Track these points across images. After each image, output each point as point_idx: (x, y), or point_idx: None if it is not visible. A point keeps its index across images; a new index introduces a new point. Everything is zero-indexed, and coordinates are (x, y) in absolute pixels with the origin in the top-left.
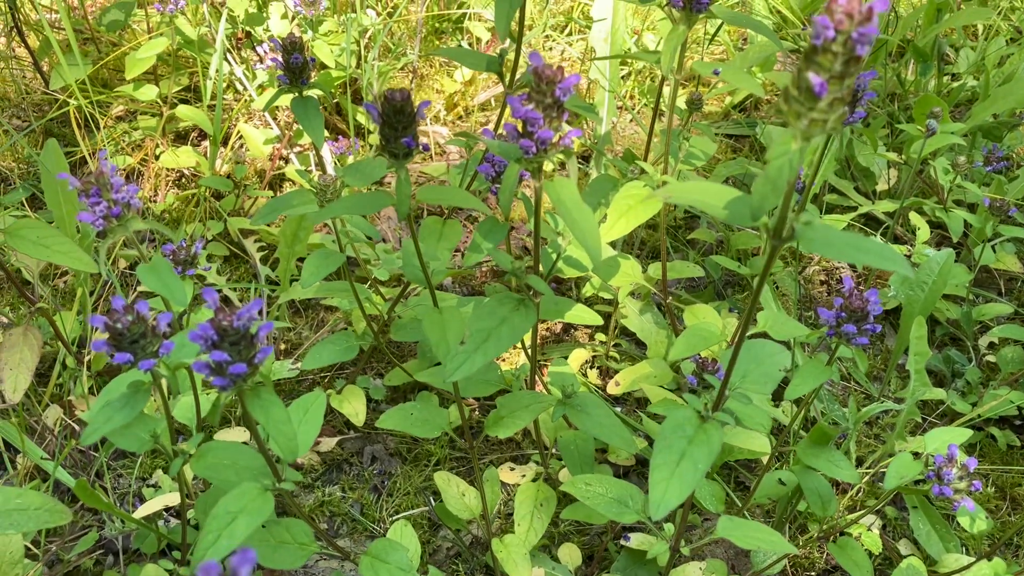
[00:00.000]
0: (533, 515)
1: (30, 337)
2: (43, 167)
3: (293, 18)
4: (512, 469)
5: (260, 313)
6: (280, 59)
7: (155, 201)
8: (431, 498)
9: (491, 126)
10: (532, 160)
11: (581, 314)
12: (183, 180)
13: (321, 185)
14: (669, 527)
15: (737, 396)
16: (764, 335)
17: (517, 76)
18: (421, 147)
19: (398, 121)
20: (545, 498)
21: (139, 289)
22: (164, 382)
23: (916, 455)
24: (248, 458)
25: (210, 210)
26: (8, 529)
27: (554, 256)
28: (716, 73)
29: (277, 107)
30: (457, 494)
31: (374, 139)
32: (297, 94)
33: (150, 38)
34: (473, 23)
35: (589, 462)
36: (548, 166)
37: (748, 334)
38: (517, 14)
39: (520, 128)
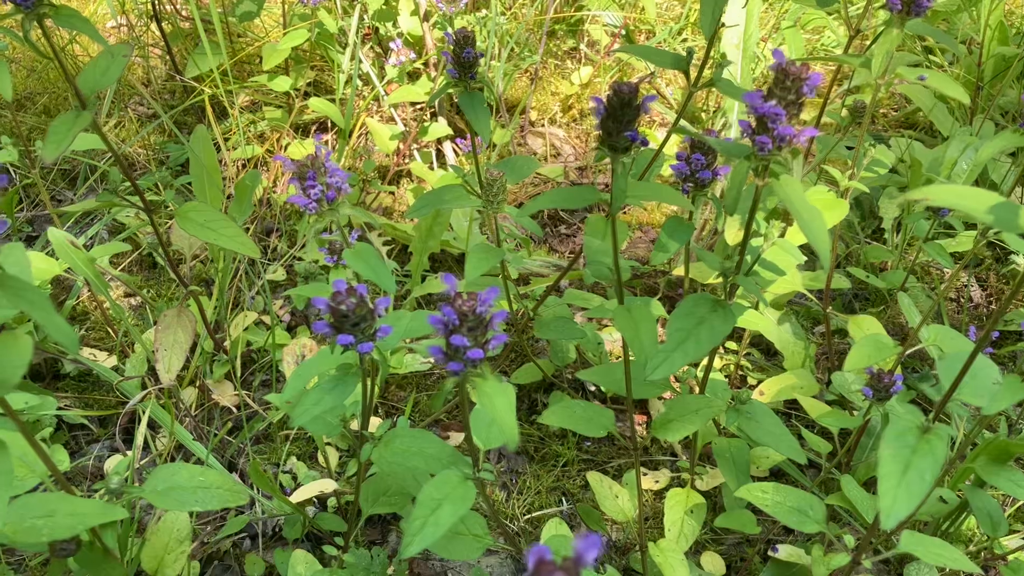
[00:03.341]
0: (683, 521)
1: (183, 319)
2: (192, 152)
3: (426, 15)
4: (645, 474)
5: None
6: (450, 53)
7: (276, 192)
8: (562, 498)
9: None
10: (764, 158)
11: (755, 320)
12: None
13: (488, 180)
14: (849, 538)
15: (956, 407)
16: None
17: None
18: (640, 142)
19: (623, 114)
20: (695, 504)
21: (266, 278)
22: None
23: None
24: (434, 446)
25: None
26: (194, 506)
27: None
28: (922, 79)
29: (398, 103)
30: (611, 495)
31: (498, 137)
32: (464, 88)
33: (285, 32)
34: (593, 26)
35: (745, 470)
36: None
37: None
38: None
39: (755, 125)
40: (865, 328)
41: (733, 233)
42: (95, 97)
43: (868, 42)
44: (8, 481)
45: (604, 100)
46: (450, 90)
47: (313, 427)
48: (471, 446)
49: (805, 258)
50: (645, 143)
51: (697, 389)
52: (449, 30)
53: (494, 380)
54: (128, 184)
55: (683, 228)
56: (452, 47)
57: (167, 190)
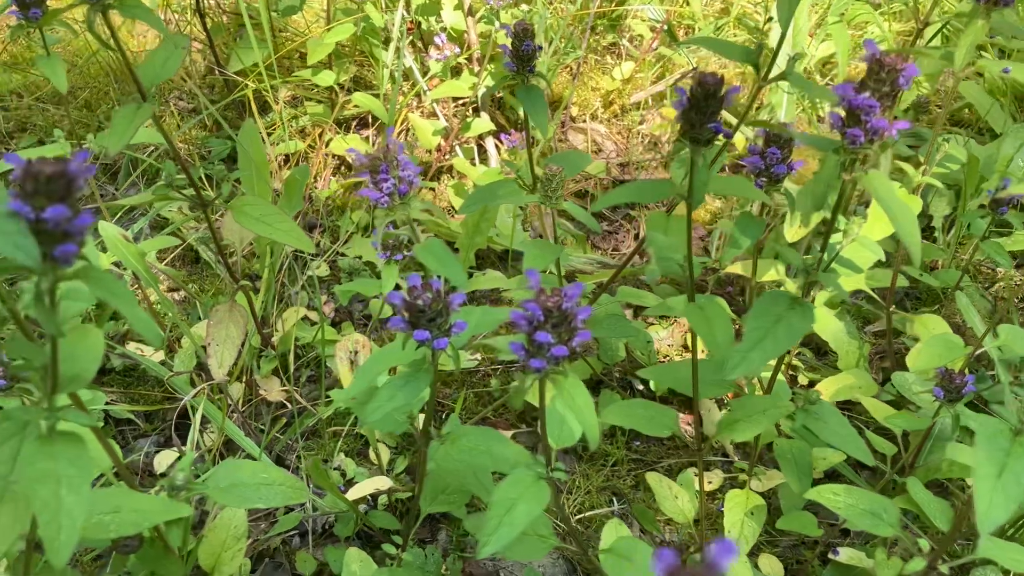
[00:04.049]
0: (743, 523)
1: (235, 314)
2: (240, 146)
3: (470, 10)
4: (697, 475)
5: None
6: (508, 46)
7: (317, 187)
8: (613, 498)
9: (647, 126)
10: (853, 151)
11: (826, 321)
12: (342, 168)
13: (547, 175)
14: (923, 541)
15: None
16: None
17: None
18: (723, 134)
19: (708, 105)
20: (755, 506)
21: (308, 274)
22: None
23: None
24: (502, 445)
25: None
26: (257, 503)
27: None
28: (1006, 71)
29: (440, 98)
30: (670, 495)
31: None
32: (522, 82)
33: (329, 27)
34: (635, 20)
35: (808, 472)
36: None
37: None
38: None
39: (845, 117)
40: (931, 327)
41: (794, 230)
42: (155, 89)
43: (913, 37)
44: (89, 475)
45: (687, 91)
46: (496, 85)
47: (381, 424)
48: (545, 445)
49: (885, 255)
50: (728, 135)
51: (746, 389)
52: (497, 24)
53: (575, 378)
54: (181, 178)
55: (755, 224)
56: (511, 40)
57: (224, 183)
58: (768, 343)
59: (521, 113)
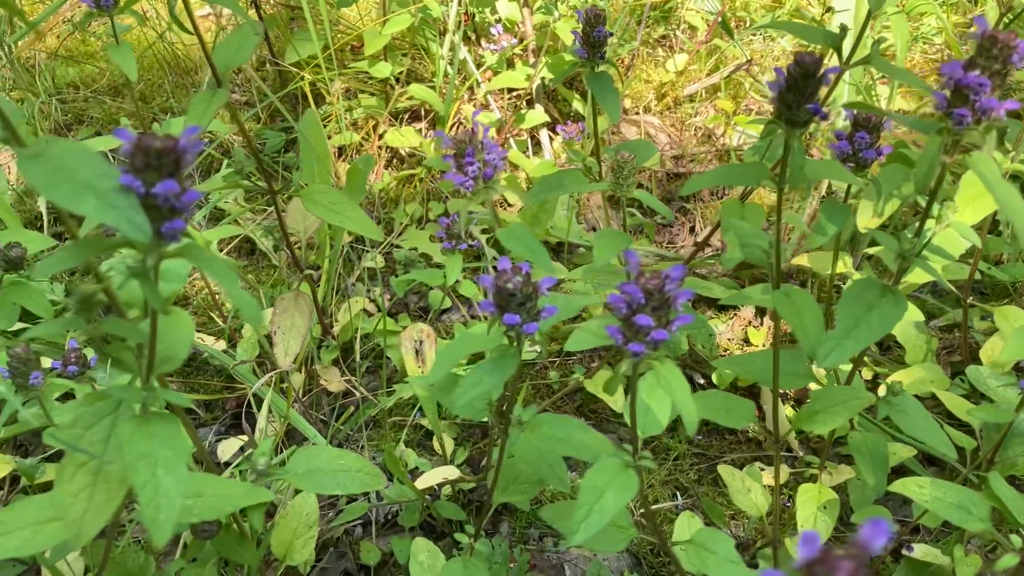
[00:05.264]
0: (816, 517)
1: (301, 303)
2: (302, 136)
3: (525, 1)
4: (763, 469)
5: None
6: (579, 33)
7: (371, 180)
8: (676, 492)
9: (701, 118)
10: (958, 133)
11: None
12: (394, 160)
13: (618, 163)
14: (1016, 539)
15: None
16: None
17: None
18: (821, 115)
19: (806, 85)
20: (829, 500)
21: (364, 265)
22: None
23: None
24: (584, 433)
25: (425, 191)
26: (335, 489)
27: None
28: None
29: (492, 90)
30: (743, 489)
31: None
32: (592, 69)
33: (386, 19)
34: (688, 12)
35: (884, 465)
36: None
37: None
38: None
39: (950, 97)
40: (1012, 319)
41: (866, 219)
42: (231, 74)
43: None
44: (185, 457)
45: (785, 71)
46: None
47: (464, 410)
48: (633, 434)
49: (979, 242)
50: (825, 116)
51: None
52: (556, 13)
53: (671, 363)
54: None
55: (840, 211)
56: (582, 26)
57: (295, 172)
58: (861, 331)
59: (574, 105)
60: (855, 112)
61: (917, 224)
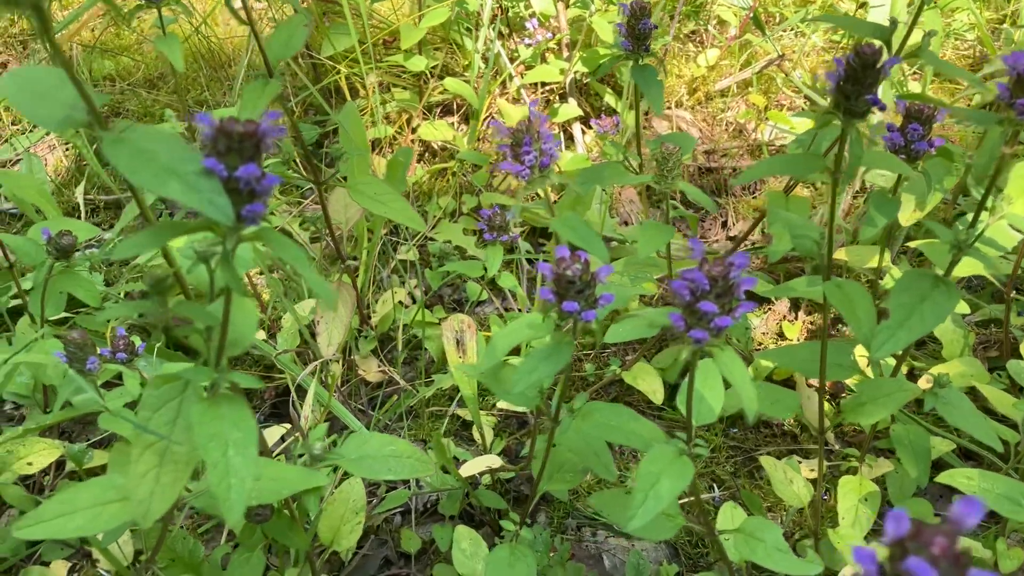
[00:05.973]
0: (858, 508)
1: (343, 293)
2: (342, 127)
3: None
4: (800, 462)
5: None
6: (624, 25)
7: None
8: (712, 484)
9: (732, 113)
10: (1020, 123)
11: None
12: (426, 154)
13: (663, 154)
14: None
15: None
16: None
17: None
18: (879, 106)
19: (866, 76)
20: (870, 493)
21: (399, 258)
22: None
23: None
24: (635, 421)
25: (457, 185)
26: (386, 474)
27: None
28: None
29: (526, 84)
30: (785, 480)
31: (630, 119)
32: (636, 61)
33: (422, 12)
34: (719, 7)
35: (926, 458)
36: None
37: None
38: None
39: (1012, 88)
40: None
41: (908, 214)
42: (283, 64)
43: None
44: (253, 438)
45: (844, 62)
46: (609, 64)
47: (517, 398)
48: (688, 421)
49: None
50: (884, 107)
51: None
52: (592, 7)
53: (731, 350)
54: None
55: (890, 203)
56: (627, 18)
57: (339, 163)
58: (914, 322)
59: (606, 99)
60: (907, 104)
61: (971, 216)
